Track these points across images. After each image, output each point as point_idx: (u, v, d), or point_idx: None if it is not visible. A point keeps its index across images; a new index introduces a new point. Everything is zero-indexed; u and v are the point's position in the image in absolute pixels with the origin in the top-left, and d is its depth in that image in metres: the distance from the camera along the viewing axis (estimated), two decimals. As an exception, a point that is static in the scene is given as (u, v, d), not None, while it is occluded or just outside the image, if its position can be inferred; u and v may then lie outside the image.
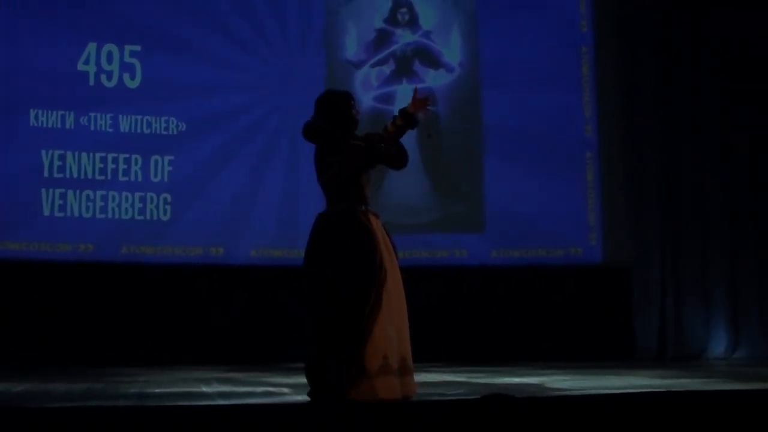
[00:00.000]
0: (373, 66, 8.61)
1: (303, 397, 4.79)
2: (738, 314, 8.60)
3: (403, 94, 8.64)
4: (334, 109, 4.41)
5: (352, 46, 8.60)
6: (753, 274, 8.63)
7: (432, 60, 8.69)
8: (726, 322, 8.59)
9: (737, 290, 8.64)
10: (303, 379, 6.11)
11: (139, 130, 8.10)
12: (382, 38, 8.64)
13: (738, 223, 8.72)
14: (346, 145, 4.29)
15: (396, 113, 4.35)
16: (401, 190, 8.50)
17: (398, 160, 4.37)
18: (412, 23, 8.69)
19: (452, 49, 8.70)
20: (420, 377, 6.23)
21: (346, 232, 4.21)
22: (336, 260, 4.14)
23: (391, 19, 8.67)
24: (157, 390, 5.14)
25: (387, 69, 8.63)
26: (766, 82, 8.73)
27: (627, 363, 7.68)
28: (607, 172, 8.65)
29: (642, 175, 8.75)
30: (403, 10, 8.68)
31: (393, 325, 4.08)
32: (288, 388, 5.30)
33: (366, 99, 8.53)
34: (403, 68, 8.64)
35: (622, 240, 8.57)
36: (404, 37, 8.66)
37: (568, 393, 4.79)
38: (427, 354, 7.84)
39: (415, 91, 4.39)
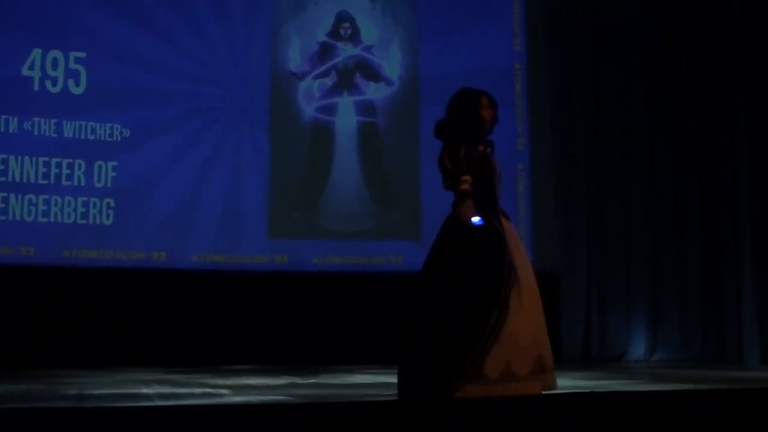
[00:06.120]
0: (315, 78, 8.75)
1: (242, 398, 4.95)
2: (657, 319, 8.98)
3: (345, 107, 8.83)
4: (458, 109, 4.37)
5: (295, 58, 8.74)
6: (672, 281, 9.01)
7: (372, 73, 8.89)
8: (646, 327, 8.96)
9: (657, 297, 9.01)
10: (242, 380, 6.30)
11: (83, 136, 8.15)
12: (325, 51, 8.81)
13: (659, 234, 9.10)
14: (466, 150, 4.25)
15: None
16: (340, 198, 8.69)
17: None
18: (354, 38, 8.88)
19: (392, 64, 8.91)
20: (356, 378, 6.46)
21: (473, 235, 4.18)
22: (461, 262, 4.13)
23: (334, 33, 8.85)
24: (96, 391, 5.20)
25: (329, 81, 8.79)
26: (695, 92, 9.13)
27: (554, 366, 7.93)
28: (538, 183, 8.90)
29: (571, 186, 9.04)
30: (346, 24, 8.86)
31: (524, 328, 4.07)
32: (227, 390, 5.43)
33: (308, 110, 8.72)
34: (345, 81, 8.82)
35: (552, 249, 8.83)
36: (346, 51, 8.84)
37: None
38: (362, 355, 8.10)
39: None
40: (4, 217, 7.89)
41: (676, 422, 3.28)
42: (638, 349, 8.90)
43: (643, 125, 9.19)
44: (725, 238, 8.81)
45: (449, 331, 4.09)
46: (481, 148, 4.32)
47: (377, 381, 6.20)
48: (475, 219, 4.24)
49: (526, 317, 4.11)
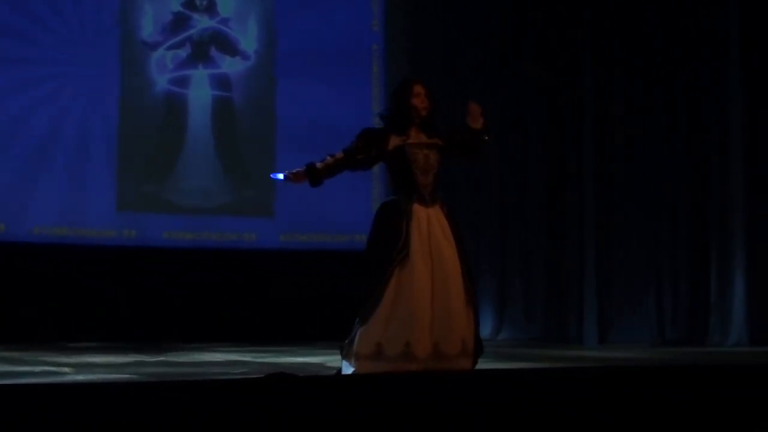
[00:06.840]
0: (168, 49, 8.51)
1: (85, 377, 4.83)
2: (503, 300, 9.30)
3: (199, 80, 8.64)
4: (391, 100, 4.53)
5: (147, 28, 8.46)
6: (519, 261, 9.33)
7: (228, 47, 8.72)
8: (492, 307, 9.27)
9: (503, 278, 9.33)
10: (85, 358, 6.15)
11: None
12: (179, 22, 8.57)
13: (506, 216, 9.38)
14: (387, 140, 4.38)
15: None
16: (193, 173, 8.53)
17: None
18: (210, 9, 8.66)
19: (249, 38, 8.77)
20: (206, 357, 6.41)
21: (375, 220, 4.36)
22: (368, 244, 4.35)
23: (189, 4, 8.60)
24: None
25: (183, 53, 8.55)
26: (543, 72, 9.44)
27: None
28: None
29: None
30: (202, -6, 8.66)
31: (401, 310, 4.16)
32: (69, 368, 5.30)
33: (161, 81, 8.48)
34: (200, 53, 8.62)
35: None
36: (202, 23, 8.62)
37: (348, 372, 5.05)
38: (213, 334, 8.03)
39: (471, 105, 4.62)
40: None
41: (517, 400, 3.39)
42: (484, 328, 9.18)
43: (498, 104, 9.40)
44: (569, 222, 9.16)
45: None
46: (399, 140, 4.40)
47: (227, 359, 6.17)
48: (277, 175, 4.53)
49: (413, 300, 4.20)
